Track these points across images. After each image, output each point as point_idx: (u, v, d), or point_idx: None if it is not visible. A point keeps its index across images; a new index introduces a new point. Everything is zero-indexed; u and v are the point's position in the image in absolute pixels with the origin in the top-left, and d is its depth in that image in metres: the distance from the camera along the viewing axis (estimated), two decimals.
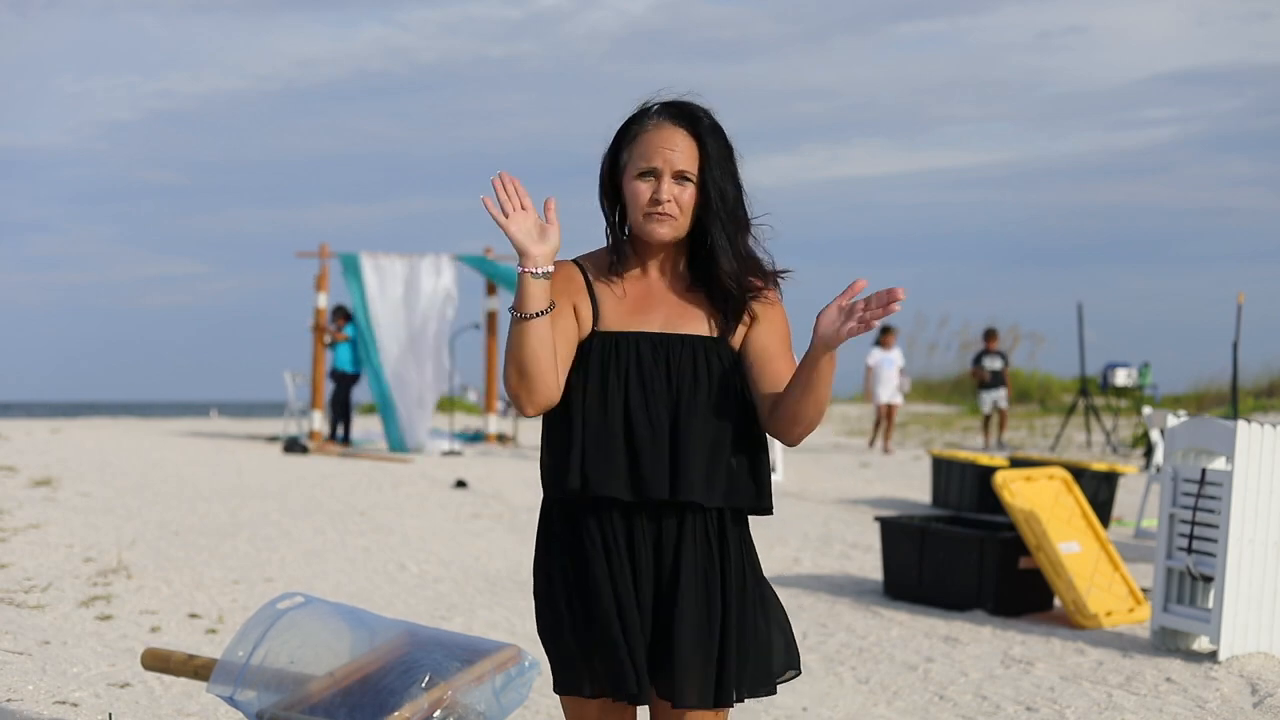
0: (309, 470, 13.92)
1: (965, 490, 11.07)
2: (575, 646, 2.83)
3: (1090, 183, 57.09)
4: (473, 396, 28.92)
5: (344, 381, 17.60)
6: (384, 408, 17.20)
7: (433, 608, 7.28)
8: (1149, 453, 12.90)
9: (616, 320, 2.86)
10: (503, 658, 3.82)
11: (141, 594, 7.21)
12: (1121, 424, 19.68)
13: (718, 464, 2.80)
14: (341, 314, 17.62)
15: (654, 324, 2.86)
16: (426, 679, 3.68)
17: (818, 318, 2.74)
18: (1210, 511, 6.21)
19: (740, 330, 2.89)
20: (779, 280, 2.94)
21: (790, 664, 2.94)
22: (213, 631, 6.47)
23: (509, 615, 7.11)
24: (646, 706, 2.90)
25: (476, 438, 18.86)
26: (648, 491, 2.77)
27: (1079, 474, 9.98)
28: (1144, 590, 7.42)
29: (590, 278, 2.89)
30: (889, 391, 17.76)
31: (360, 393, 18.42)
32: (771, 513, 2.90)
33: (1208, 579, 6.20)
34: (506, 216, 2.76)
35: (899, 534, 7.72)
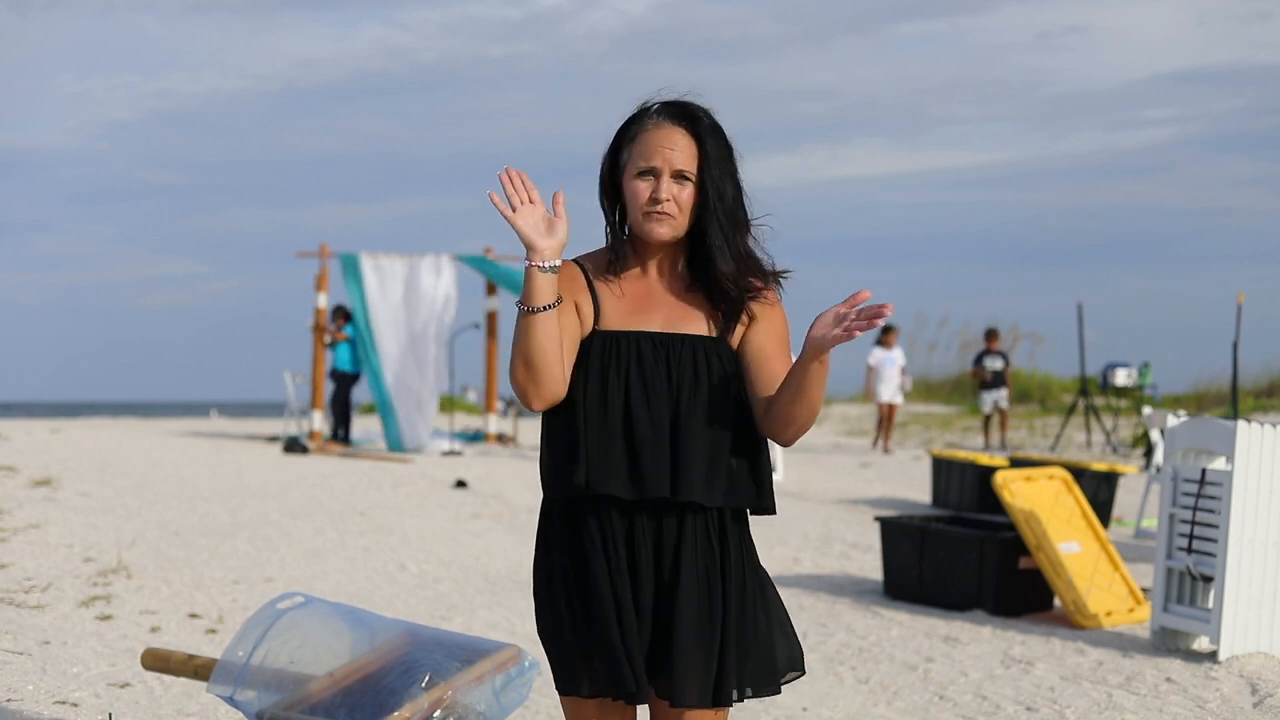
0: (309, 470, 13.91)
1: (965, 490, 11.07)
2: (575, 646, 2.83)
3: (1090, 183, 57.14)
4: (473, 396, 28.94)
5: (344, 381, 17.60)
6: (383, 408, 17.20)
7: (433, 608, 7.28)
8: (1149, 453, 12.89)
9: (617, 320, 2.86)
10: (503, 658, 3.82)
11: (141, 594, 7.21)
12: (1121, 424, 19.68)
13: (718, 464, 2.80)
14: (341, 314, 17.62)
15: (654, 323, 2.86)
16: (426, 679, 3.68)
17: (814, 321, 2.74)
18: (1210, 511, 6.21)
19: (739, 330, 2.88)
20: (779, 281, 2.94)
21: (793, 664, 2.94)
22: (213, 631, 6.47)
23: (509, 615, 7.11)
24: (646, 706, 2.91)
25: (476, 438, 18.86)
26: (649, 490, 2.77)
27: (1079, 474, 9.98)
28: (1144, 590, 7.42)
29: (591, 277, 2.89)
30: (890, 391, 17.75)
31: (360, 393, 18.42)
32: (774, 512, 2.90)
33: (1208, 579, 6.20)
34: (514, 210, 2.76)
35: (899, 534, 7.71)
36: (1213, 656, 6.10)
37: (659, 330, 2.86)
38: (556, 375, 2.78)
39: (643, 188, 2.84)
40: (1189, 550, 6.29)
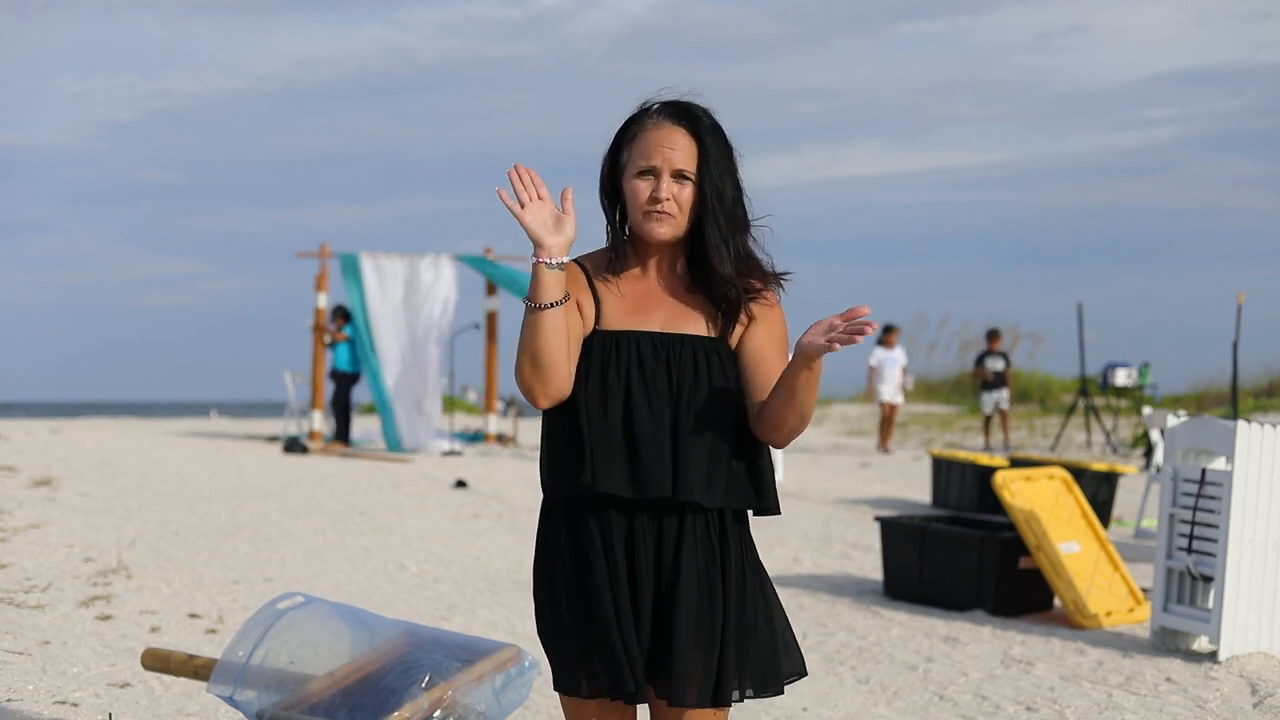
0: (309, 470, 13.92)
1: (965, 490, 11.07)
2: (575, 646, 2.83)
3: (1090, 183, 57.15)
4: (473, 396, 28.94)
5: (344, 381, 17.60)
6: (382, 408, 17.20)
7: (433, 608, 7.28)
8: (1149, 453, 12.89)
9: (617, 319, 2.86)
10: (503, 658, 3.82)
11: (141, 594, 7.21)
12: (1121, 424, 19.67)
13: (718, 464, 2.80)
14: (341, 314, 17.62)
15: (654, 323, 2.86)
16: (426, 679, 3.68)
17: (808, 328, 2.73)
18: (1210, 511, 6.21)
19: (737, 330, 2.88)
20: (779, 283, 2.93)
21: (794, 667, 2.94)
22: (213, 631, 6.47)
23: (509, 615, 7.11)
24: (646, 706, 2.91)
25: (476, 438, 18.86)
26: (650, 490, 2.77)
27: (1079, 474, 9.98)
28: (1144, 590, 7.42)
29: (591, 276, 2.89)
30: (891, 390, 17.74)
31: (360, 393, 18.42)
32: (778, 512, 2.89)
33: (1208, 579, 6.20)
34: (522, 207, 2.76)
35: (899, 534, 7.71)
36: (1213, 656, 6.10)
37: (659, 330, 2.86)
38: (563, 373, 2.78)
39: (643, 187, 2.84)
40: (1189, 550, 6.29)
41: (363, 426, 20.38)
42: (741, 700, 2.86)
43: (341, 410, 17.62)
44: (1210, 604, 6.20)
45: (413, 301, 17.54)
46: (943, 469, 11.52)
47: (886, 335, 17.99)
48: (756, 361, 2.86)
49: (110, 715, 4.81)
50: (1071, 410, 18.57)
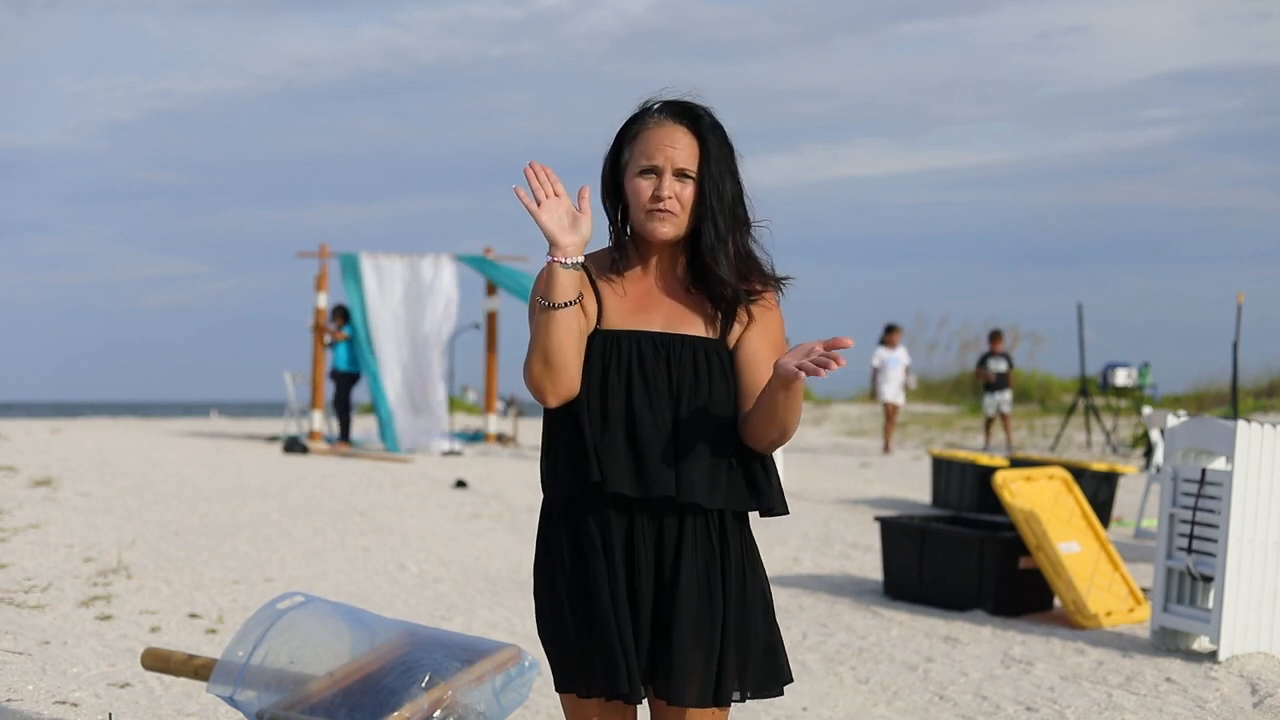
0: (309, 470, 13.92)
1: (965, 490, 11.07)
2: (575, 646, 2.83)
3: (1090, 183, 57.15)
4: (472, 396, 28.94)
5: (344, 381, 17.60)
6: (380, 408, 17.20)
7: (433, 608, 7.28)
8: (1149, 453, 12.89)
9: (618, 319, 2.86)
10: (503, 658, 3.82)
11: (141, 594, 7.21)
12: (1121, 424, 19.68)
13: (719, 465, 2.80)
14: (341, 314, 17.62)
15: (655, 324, 2.86)
16: (426, 679, 3.68)
17: (791, 349, 2.72)
18: (1210, 511, 6.21)
19: (736, 329, 2.88)
20: (779, 286, 2.93)
21: (788, 671, 2.93)
22: (213, 631, 6.47)
23: (509, 615, 7.11)
24: (647, 706, 2.91)
25: (476, 438, 18.86)
26: (654, 489, 2.77)
27: (1079, 474, 9.98)
28: (1144, 590, 7.42)
29: (593, 276, 2.89)
30: (893, 390, 17.72)
31: (360, 392, 18.43)
32: (784, 512, 2.88)
33: (1208, 579, 6.20)
34: (539, 205, 2.76)
35: (899, 534, 7.71)
36: (1213, 656, 6.10)
37: (659, 330, 2.86)
38: (574, 372, 2.78)
39: (645, 186, 2.83)
40: (1189, 550, 6.29)
41: (363, 426, 20.38)
42: (742, 700, 2.86)
43: (343, 410, 17.63)
44: (1210, 604, 6.20)
45: (412, 301, 17.54)
46: (943, 469, 11.52)
47: (889, 335, 17.97)
48: (749, 365, 2.85)
49: (110, 715, 4.81)
50: (1071, 410, 18.57)
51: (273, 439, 18.22)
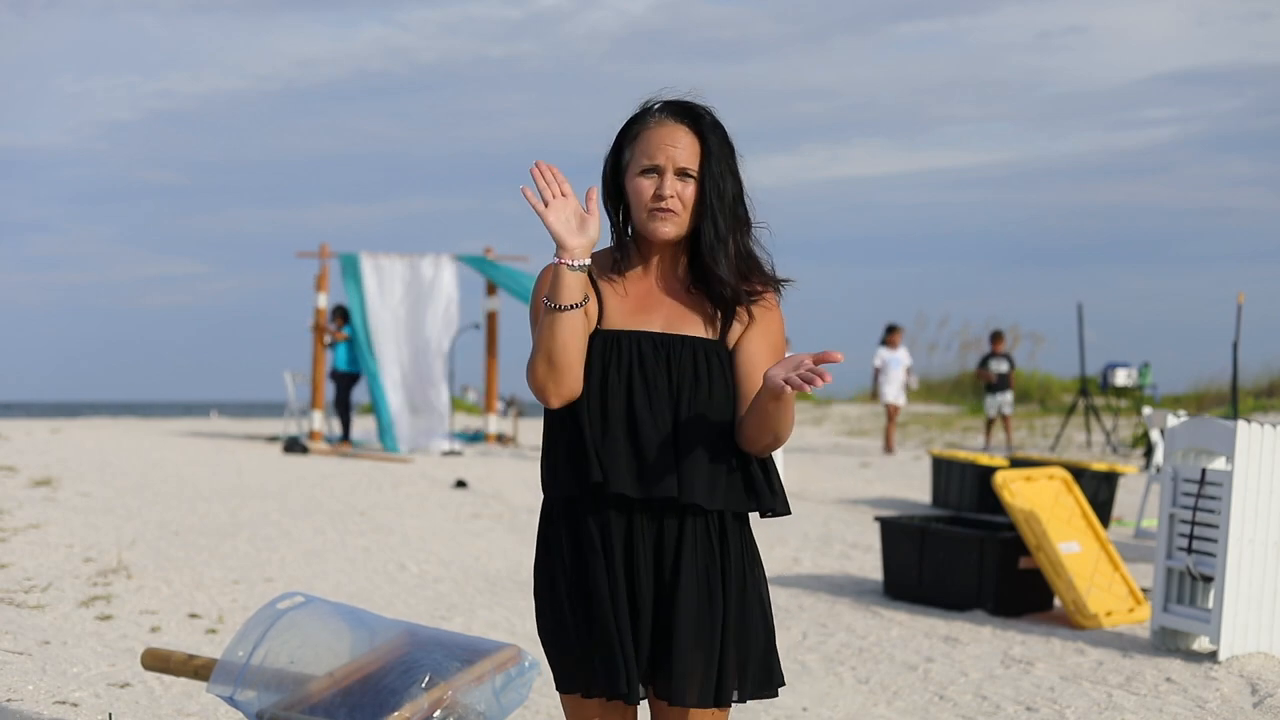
0: (309, 470, 13.92)
1: (965, 490, 11.07)
2: (575, 646, 2.83)
3: (1090, 183, 57.16)
4: (472, 396, 28.94)
5: (343, 381, 17.61)
6: (379, 408, 17.19)
7: (433, 608, 7.28)
8: (1149, 453, 12.89)
9: (618, 319, 2.86)
10: (503, 658, 3.82)
11: (141, 594, 7.21)
12: (1121, 424, 19.68)
13: (720, 466, 2.80)
14: (341, 314, 17.62)
15: (655, 324, 2.86)
16: (426, 679, 3.68)
17: (782, 360, 2.71)
18: (1210, 511, 6.21)
19: (736, 328, 2.88)
20: (779, 288, 2.92)
21: (781, 673, 2.94)
22: (213, 631, 6.47)
23: (509, 615, 7.11)
24: (647, 706, 2.91)
25: (476, 438, 18.86)
26: (655, 490, 2.77)
27: (1079, 474, 9.98)
28: (1144, 590, 7.42)
29: (594, 276, 2.89)
30: (895, 391, 17.71)
31: (361, 392, 18.43)
32: (786, 512, 2.88)
33: (1208, 579, 6.20)
34: (546, 205, 2.75)
35: (899, 534, 7.71)
36: (1213, 656, 6.10)
37: (659, 331, 2.85)
38: (578, 374, 2.78)
39: (646, 185, 2.83)
40: (1189, 550, 6.29)
41: (362, 426, 20.39)
42: (743, 701, 2.86)
43: (343, 411, 17.63)
44: (1210, 604, 6.20)
45: (412, 301, 17.54)
46: (943, 469, 11.52)
47: (890, 335, 17.95)
48: (746, 366, 2.85)
49: (110, 715, 4.81)
50: (1071, 410, 18.57)
51: (273, 439, 18.22)
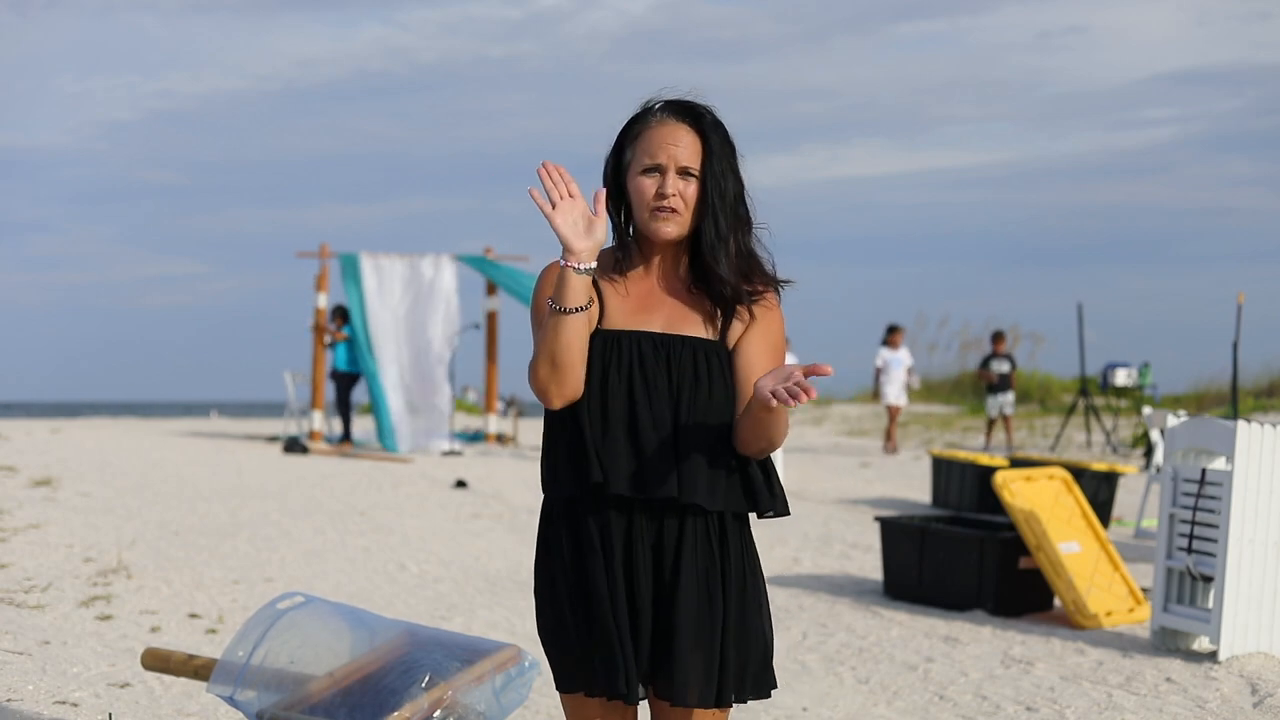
0: (309, 470, 13.92)
1: (965, 490, 11.07)
2: (575, 646, 2.83)
3: (1090, 183, 57.18)
4: (472, 396, 28.94)
5: (343, 382, 17.61)
6: (378, 409, 17.19)
7: (433, 608, 7.28)
8: (1149, 453, 12.89)
9: (619, 319, 2.86)
10: (503, 658, 3.82)
11: (141, 594, 7.21)
12: (1121, 424, 19.67)
13: (720, 467, 2.80)
14: (341, 314, 17.62)
15: (655, 324, 2.86)
16: (426, 679, 3.68)
17: (771, 371, 2.70)
18: (1210, 511, 6.21)
19: (737, 328, 2.88)
20: (778, 289, 2.92)
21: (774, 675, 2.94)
22: (213, 631, 6.47)
23: (509, 615, 7.11)
24: (648, 707, 2.91)
25: (476, 438, 18.86)
26: (655, 490, 2.77)
27: (1079, 474, 9.98)
28: (1144, 590, 7.42)
29: (596, 276, 2.89)
30: (896, 391, 17.71)
31: (361, 392, 18.42)
32: (786, 513, 2.88)
33: (1208, 579, 6.20)
34: (553, 207, 2.75)
35: (899, 534, 7.71)
36: (1213, 656, 6.10)
37: (660, 331, 2.85)
38: (580, 375, 2.78)
39: (648, 184, 2.83)
40: (1189, 550, 6.29)
41: (362, 426, 20.40)
42: (743, 701, 2.86)
43: (344, 411, 17.63)
44: (1210, 604, 6.20)
45: (412, 302, 17.54)
46: (943, 469, 11.52)
47: (891, 335, 17.93)
48: (746, 366, 2.85)
49: (110, 715, 4.80)
50: (1071, 410, 18.56)
51: (273, 439, 18.22)
